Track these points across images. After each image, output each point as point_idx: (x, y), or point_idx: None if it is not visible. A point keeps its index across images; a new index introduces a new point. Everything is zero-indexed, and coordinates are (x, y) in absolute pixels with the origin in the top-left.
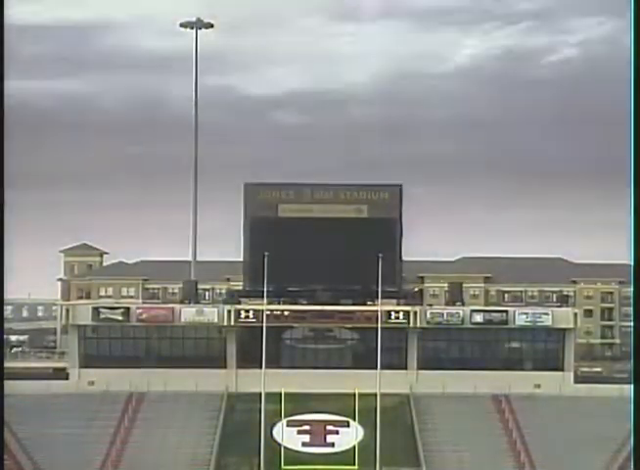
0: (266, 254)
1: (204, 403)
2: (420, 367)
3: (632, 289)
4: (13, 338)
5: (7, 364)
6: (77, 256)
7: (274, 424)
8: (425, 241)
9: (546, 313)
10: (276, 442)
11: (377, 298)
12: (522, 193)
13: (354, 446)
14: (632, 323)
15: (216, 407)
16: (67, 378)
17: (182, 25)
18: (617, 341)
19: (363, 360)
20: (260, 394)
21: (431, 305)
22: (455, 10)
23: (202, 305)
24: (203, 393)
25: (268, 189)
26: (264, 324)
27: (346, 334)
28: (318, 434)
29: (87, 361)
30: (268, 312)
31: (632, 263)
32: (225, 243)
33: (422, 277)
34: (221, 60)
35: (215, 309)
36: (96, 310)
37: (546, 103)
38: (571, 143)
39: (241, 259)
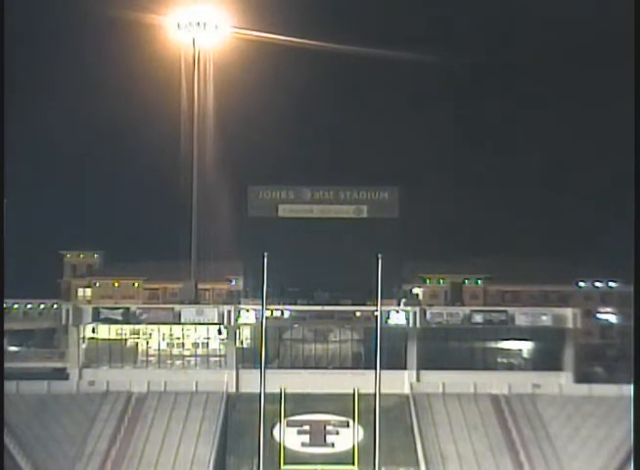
0: (266, 254)
1: (203, 403)
2: (420, 367)
3: (633, 289)
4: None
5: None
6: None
7: (274, 424)
8: None
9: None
10: (276, 442)
11: (376, 298)
12: None
13: (354, 447)
14: (632, 323)
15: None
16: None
17: None
18: None
19: (363, 360)
20: (260, 394)
21: (431, 305)
22: None
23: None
24: (202, 392)
25: (268, 189)
26: (264, 324)
27: (346, 334)
28: (318, 434)
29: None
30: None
31: (633, 263)
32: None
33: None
34: None
35: (215, 310)
36: (96, 310)
37: None
38: None
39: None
